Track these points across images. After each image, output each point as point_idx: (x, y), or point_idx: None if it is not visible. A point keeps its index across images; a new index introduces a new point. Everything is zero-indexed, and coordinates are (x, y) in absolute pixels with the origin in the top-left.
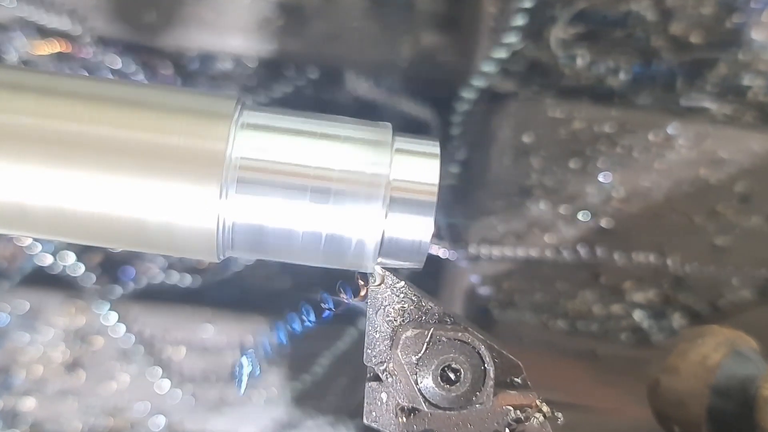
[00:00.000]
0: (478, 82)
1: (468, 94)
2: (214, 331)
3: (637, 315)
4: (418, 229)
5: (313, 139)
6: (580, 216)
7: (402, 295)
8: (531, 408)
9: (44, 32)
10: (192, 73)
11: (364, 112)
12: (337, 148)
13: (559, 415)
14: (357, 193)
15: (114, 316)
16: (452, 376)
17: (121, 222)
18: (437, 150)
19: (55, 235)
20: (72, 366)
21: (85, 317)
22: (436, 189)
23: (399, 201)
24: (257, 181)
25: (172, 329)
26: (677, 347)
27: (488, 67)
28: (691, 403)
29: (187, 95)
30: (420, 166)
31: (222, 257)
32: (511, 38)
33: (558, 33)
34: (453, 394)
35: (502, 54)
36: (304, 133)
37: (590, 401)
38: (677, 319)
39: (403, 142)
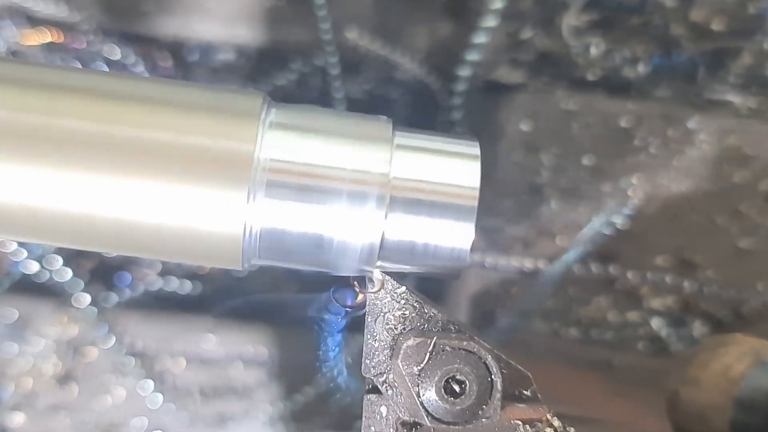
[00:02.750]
0: (464, 72)
1: (458, 86)
2: (216, 342)
3: (655, 323)
4: (429, 232)
5: (339, 138)
6: (594, 216)
7: (403, 301)
8: (541, 422)
9: (35, 21)
10: (192, 64)
11: (373, 105)
12: (357, 146)
13: (572, 430)
14: (356, 192)
15: (109, 326)
16: (457, 388)
17: (140, 228)
18: (469, 149)
19: (67, 242)
20: (64, 379)
21: (78, 327)
22: (459, 190)
23: (402, 201)
24: (287, 184)
25: (171, 339)
26: (698, 357)
27: (473, 56)
28: (713, 417)
29: (211, 92)
30: (436, 164)
31: (246, 266)
32: (490, 22)
33: (570, 20)
34: (458, 408)
35: (482, 39)
36: (332, 132)
37: (605, 415)
38: (698, 327)
39: (406, 138)
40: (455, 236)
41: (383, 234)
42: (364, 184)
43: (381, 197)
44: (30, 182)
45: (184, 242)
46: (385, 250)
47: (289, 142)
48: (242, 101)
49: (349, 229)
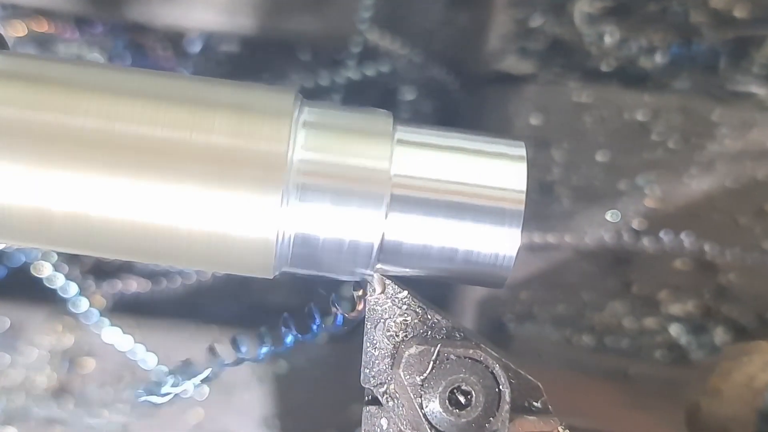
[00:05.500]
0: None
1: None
2: (220, 351)
3: (674, 329)
4: (433, 233)
5: (371, 137)
6: (609, 216)
7: (405, 307)
8: None
9: (23, 10)
10: (193, 56)
11: (381, 96)
12: (360, 142)
13: None
14: (355, 191)
15: (107, 335)
16: (462, 399)
17: (165, 233)
18: (512, 149)
19: (88, 250)
20: (59, 392)
21: (73, 336)
22: (473, 190)
23: (405, 200)
24: (320, 187)
25: (174, 349)
26: (720, 366)
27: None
28: (736, 430)
29: (240, 89)
30: (446, 162)
31: (276, 273)
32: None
33: (583, 6)
34: (463, 420)
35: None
36: (364, 132)
37: (620, 428)
38: (720, 334)
39: (408, 134)
40: (496, 241)
41: (383, 235)
42: (362, 183)
43: (379, 196)
44: (52, 186)
45: (213, 250)
46: (384, 251)
47: (322, 141)
48: (273, 99)
49: (350, 229)
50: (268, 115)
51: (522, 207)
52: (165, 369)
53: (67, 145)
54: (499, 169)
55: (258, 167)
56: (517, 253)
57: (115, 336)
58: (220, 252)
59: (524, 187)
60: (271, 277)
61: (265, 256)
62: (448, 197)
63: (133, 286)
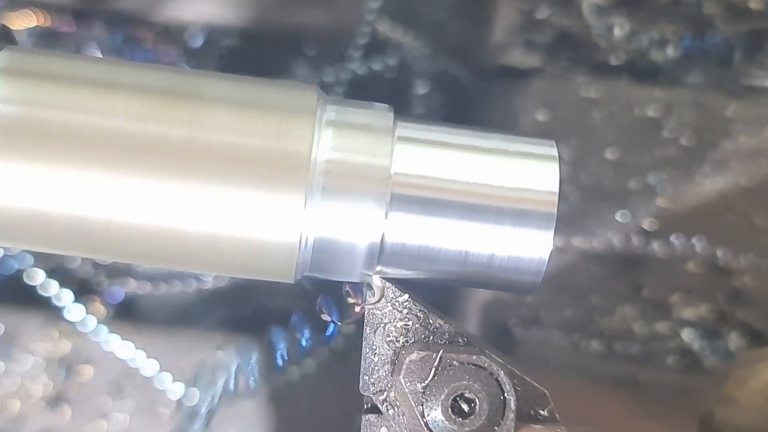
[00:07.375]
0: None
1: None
2: (223, 358)
3: (687, 335)
4: (434, 234)
5: (376, 135)
6: (619, 217)
7: (405, 311)
8: None
9: (19, 3)
10: (194, 50)
11: (387, 93)
12: (358, 139)
13: None
14: (371, 192)
15: (106, 342)
16: (465, 407)
17: (183, 237)
18: (529, 147)
19: (103, 254)
20: (55, 401)
21: (71, 343)
22: (504, 192)
23: (408, 199)
24: (345, 188)
25: (175, 356)
26: (734, 373)
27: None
28: None
29: (260, 86)
30: (448, 160)
31: (298, 278)
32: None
33: None
34: (466, 429)
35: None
36: (372, 130)
37: None
38: (734, 340)
39: (408, 130)
40: (526, 245)
41: (383, 235)
42: (372, 182)
43: (383, 195)
44: (66, 187)
45: (235, 254)
46: (385, 253)
47: (346, 141)
48: (296, 97)
49: (365, 230)
50: (291, 113)
51: (554, 209)
52: (170, 376)
53: (82, 145)
54: (530, 170)
55: (281, 168)
56: (550, 257)
57: (114, 343)
58: (242, 257)
59: (557, 188)
60: (293, 282)
61: (288, 260)
62: (472, 198)
63: (133, 288)
